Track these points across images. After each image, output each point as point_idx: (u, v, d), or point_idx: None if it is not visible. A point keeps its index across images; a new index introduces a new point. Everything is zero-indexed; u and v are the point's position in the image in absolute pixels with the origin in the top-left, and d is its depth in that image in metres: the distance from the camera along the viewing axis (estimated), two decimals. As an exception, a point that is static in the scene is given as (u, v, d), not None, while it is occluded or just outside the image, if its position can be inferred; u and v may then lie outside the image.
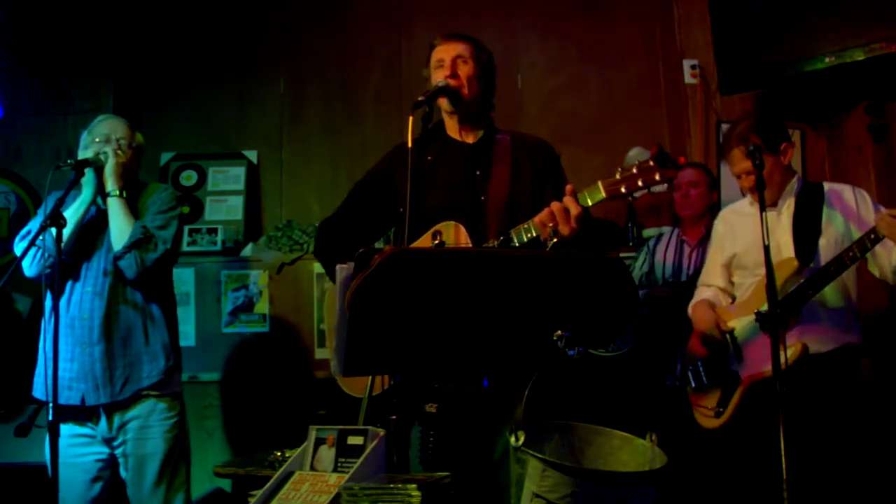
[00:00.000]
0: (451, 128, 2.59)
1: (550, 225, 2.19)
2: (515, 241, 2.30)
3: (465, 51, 2.53)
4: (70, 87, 4.60)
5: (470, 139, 2.58)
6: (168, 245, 2.90)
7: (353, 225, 2.65)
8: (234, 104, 4.84)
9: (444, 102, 2.50)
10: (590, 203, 2.18)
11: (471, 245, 2.35)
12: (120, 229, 2.85)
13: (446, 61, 2.51)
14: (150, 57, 4.80)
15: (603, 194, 2.16)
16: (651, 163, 2.11)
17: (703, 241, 3.74)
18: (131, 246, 2.83)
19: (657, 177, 2.10)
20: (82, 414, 2.87)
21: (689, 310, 3.19)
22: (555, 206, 2.19)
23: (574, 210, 2.16)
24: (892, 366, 3.71)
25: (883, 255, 2.79)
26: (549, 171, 2.54)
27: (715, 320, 2.99)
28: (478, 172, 2.51)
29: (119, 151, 2.91)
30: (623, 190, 2.13)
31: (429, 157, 2.54)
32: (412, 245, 2.41)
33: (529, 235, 2.27)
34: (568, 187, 2.21)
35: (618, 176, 2.15)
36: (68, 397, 2.79)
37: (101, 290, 2.88)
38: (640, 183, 2.12)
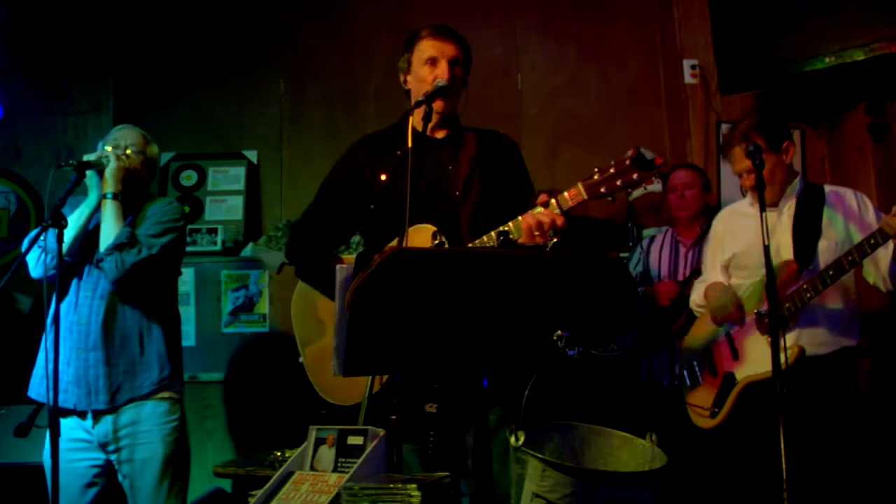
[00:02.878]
0: (419, 124, 2.45)
1: (537, 234, 2.19)
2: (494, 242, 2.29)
3: (458, 53, 2.52)
4: (70, 87, 4.60)
5: (439, 135, 2.56)
6: (153, 251, 2.83)
7: (326, 225, 2.62)
8: (234, 104, 4.83)
9: (438, 104, 2.44)
10: (571, 205, 2.20)
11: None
12: (108, 232, 2.82)
13: (442, 62, 2.48)
14: (150, 57, 4.80)
15: (584, 196, 2.19)
16: (628, 163, 2.13)
17: (699, 242, 3.74)
18: (114, 248, 2.79)
19: (635, 176, 2.12)
20: (78, 416, 2.86)
21: (696, 297, 3.19)
22: (541, 216, 2.19)
23: (559, 221, 2.19)
24: (892, 368, 3.71)
25: (883, 260, 2.78)
26: (514, 163, 2.59)
27: (733, 294, 2.96)
28: (450, 168, 2.51)
29: (123, 156, 2.90)
30: (603, 190, 2.16)
31: (398, 153, 2.50)
32: (393, 244, 2.39)
33: (512, 237, 2.26)
34: (541, 197, 2.23)
35: (596, 177, 2.17)
36: (64, 400, 2.77)
37: (100, 296, 2.86)
38: (618, 183, 2.14)
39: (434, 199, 2.46)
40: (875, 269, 2.82)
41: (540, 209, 2.21)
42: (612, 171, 2.14)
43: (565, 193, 2.21)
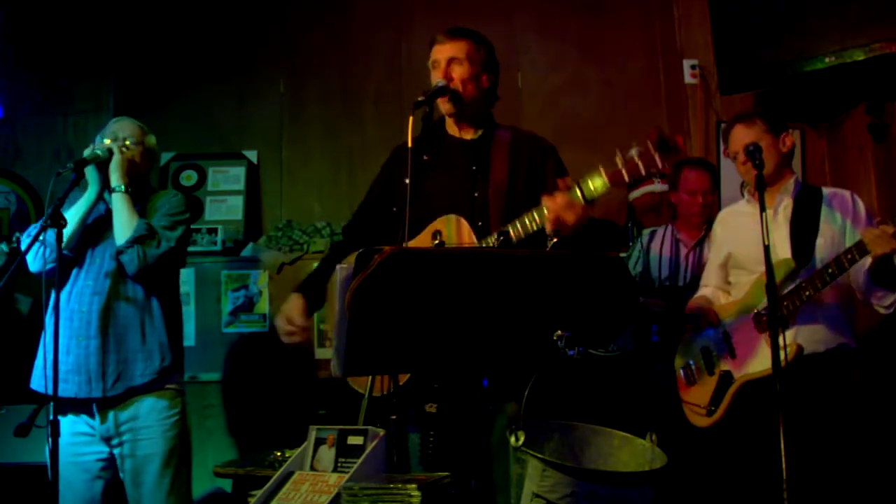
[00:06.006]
0: (451, 125, 2.59)
1: (569, 212, 2.15)
2: (520, 230, 2.27)
3: (459, 51, 2.50)
4: (70, 87, 4.60)
5: (469, 136, 2.58)
6: (172, 244, 2.89)
7: (368, 230, 2.64)
8: (233, 104, 4.84)
9: (444, 104, 2.48)
10: (593, 191, 2.14)
11: (473, 237, 2.34)
12: (123, 225, 2.84)
13: (440, 63, 2.50)
14: (150, 57, 4.80)
15: (605, 181, 2.13)
16: (652, 148, 2.07)
17: (700, 243, 3.71)
18: (134, 241, 2.81)
19: (658, 163, 2.07)
20: (80, 408, 2.85)
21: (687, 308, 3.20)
22: (560, 198, 2.15)
23: (578, 204, 2.15)
24: (886, 367, 3.71)
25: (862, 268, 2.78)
26: (548, 166, 2.54)
27: (708, 306, 3.00)
28: (474, 168, 2.51)
29: (124, 148, 2.91)
30: (625, 176, 2.10)
31: (425, 157, 2.53)
32: (411, 244, 2.40)
33: (535, 226, 2.24)
34: (567, 179, 2.18)
35: (619, 161, 2.11)
36: (64, 389, 2.76)
37: (102, 286, 2.87)
38: (641, 170, 2.08)
39: (457, 200, 2.46)
40: (852, 276, 2.82)
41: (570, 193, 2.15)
42: (636, 156, 2.08)
43: (589, 182, 2.15)
